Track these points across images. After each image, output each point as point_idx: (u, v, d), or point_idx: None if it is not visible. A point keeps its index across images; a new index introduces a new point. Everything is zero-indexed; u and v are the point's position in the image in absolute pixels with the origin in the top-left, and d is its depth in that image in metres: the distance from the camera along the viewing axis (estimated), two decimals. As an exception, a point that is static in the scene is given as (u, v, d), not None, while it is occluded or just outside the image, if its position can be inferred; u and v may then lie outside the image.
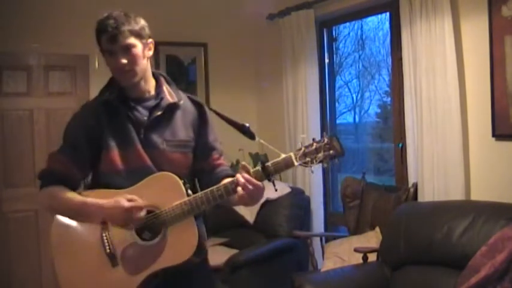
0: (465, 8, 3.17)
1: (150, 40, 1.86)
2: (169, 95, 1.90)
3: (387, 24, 4.02)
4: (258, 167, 1.69)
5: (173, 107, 1.88)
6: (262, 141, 1.86)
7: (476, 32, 3.11)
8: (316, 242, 4.01)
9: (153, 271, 1.73)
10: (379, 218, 3.57)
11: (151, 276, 1.74)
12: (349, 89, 4.96)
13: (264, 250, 3.82)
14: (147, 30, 1.85)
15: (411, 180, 3.47)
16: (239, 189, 1.68)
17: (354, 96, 4.97)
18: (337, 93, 4.71)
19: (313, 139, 1.68)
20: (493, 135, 3.04)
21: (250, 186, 1.66)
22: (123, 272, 1.75)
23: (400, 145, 3.77)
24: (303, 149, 1.66)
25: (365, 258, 3.20)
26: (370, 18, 4.41)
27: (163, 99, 1.88)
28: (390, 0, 3.70)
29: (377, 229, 3.53)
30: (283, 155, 1.67)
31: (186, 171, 1.88)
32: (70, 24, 4.29)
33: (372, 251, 3.22)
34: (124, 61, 1.77)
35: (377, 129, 5.02)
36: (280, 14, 4.49)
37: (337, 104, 4.71)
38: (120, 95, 1.86)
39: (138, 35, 1.80)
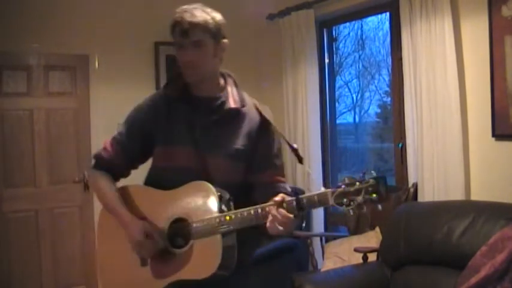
0: (465, 8, 3.17)
1: (224, 40, 1.78)
2: (233, 99, 1.81)
3: (387, 24, 4.02)
4: (293, 198, 1.57)
5: (234, 112, 1.79)
6: (308, 169, 1.80)
7: (476, 32, 3.11)
8: (316, 242, 4.01)
9: (175, 280, 1.71)
10: (379, 218, 3.57)
11: (175, 283, 1.72)
12: (349, 89, 4.97)
13: (264, 250, 3.81)
14: (222, 30, 1.77)
15: (411, 180, 3.47)
16: (269, 218, 1.58)
17: (354, 96, 4.97)
18: (337, 93, 4.72)
19: (360, 176, 1.50)
20: (493, 135, 3.04)
21: (280, 219, 1.55)
22: (150, 274, 1.75)
23: (400, 145, 3.77)
24: (342, 187, 1.49)
25: (365, 258, 3.20)
26: (370, 18, 4.42)
27: (225, 103, 1.79)
28: (390, 0, 3.70)
29: (377, 229, 3.53)
30: (322, 189, 1.52)
31: (237, 180, 1.78)
32: (70, 24, 4.29)
33: (372, 251, 3.22)
34: (192, 57, 1.71)
35: (377, 129, 5.03)
36: (280, 14, 4.49)
37: (337, 104, 4.71)
38: (184, 91, 1.81)
39: (212, 33, 1.72)
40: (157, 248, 1.72)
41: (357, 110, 5.03)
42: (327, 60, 4.55)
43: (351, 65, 4.88)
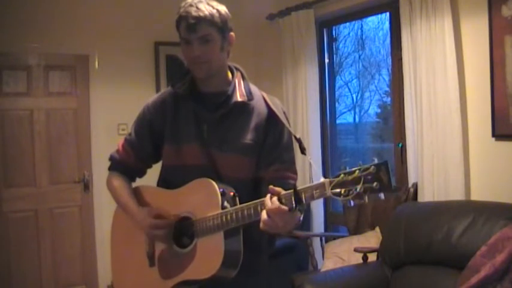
0: (465, 8, 3.17)
1: (231, 33, 1.74)
2: (240, 92, 1.76)
3: (387, 24, 4.02)
4: (290, 191, 1.45)
5: (241, 106, 1.74)
6: (311, 160, 1.73)
7: (476, 32, 3.11)
8: (316, 242, 4.00)
9: (181, 280, 1.68)
10: (379, 218, 3.57)
11: (182, 283, 1.69)
12: (349, 89, 4.95)
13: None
14: (229, 23, 1.72)
15: (411, 180, 3.47)
16: (263, 213, 1.48)
17: (354, 96, 4.97)
18: (337, 93, 4.71)
19: (359, 164, 1.35)
20: (493, 135, 3.04)
21: (276, 213, 1.45)
22: (157, 274, 1.73)
23: (400, 145, 3.77)
24: (341, 175, 1.36)
25: (365, 258, 3.20)
26: (370, 18, 4.41)
27: (231, 97, 1.74)
28: (390, 0, 3.70)
29: (377, 229, 3.53)
30: (322, 179, 1.40)
31: (247, 176, 1.74)
32: (70, 24, 4.30)
33: (372, 251, 3.22)
34: (200, 52, 1.66)
35: (377, 129, 5.02)
36: (280, 14, 4.49)
37: (337, 104, 4.71)
38: (191, 87, 1.77)
39: (219, 27, 1.68)
40: (172, 228, 1.69)
41: (357, 110, 5.02)
42: (327, 60, 4.55)
43: (351, 65, 4.88)
